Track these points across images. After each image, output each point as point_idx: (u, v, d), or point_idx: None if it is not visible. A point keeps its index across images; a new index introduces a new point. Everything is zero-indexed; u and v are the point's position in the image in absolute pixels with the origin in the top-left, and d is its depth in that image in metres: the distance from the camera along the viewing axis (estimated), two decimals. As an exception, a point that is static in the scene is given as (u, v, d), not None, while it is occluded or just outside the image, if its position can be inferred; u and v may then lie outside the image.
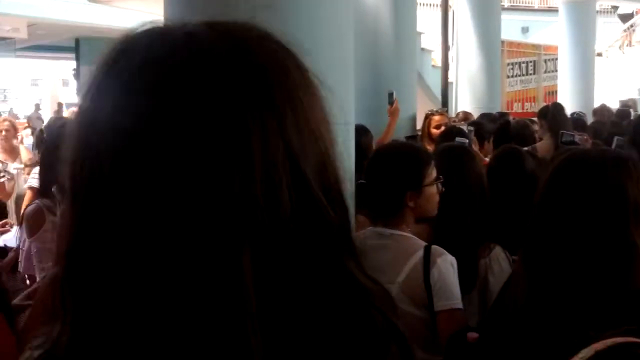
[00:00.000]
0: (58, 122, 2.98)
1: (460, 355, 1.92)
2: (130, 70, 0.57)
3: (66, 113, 12.19)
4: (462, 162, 2.51)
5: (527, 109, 11.86)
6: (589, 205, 1.45)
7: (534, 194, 2.44)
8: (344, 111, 2.18)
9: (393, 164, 2.25)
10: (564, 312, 1.39)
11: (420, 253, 2.12)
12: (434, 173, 2.27)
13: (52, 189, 2.51)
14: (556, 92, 12.50)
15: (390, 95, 5.55)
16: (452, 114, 8.02)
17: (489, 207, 2.44)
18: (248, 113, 0.56)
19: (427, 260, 2.10)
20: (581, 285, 1.40)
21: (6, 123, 5.75)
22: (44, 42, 19.24)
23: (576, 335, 1.20)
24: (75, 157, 0.58)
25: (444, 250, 2.14)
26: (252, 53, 0.59)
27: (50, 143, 3.00)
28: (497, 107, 8.86)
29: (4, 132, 5.58)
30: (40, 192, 2.89)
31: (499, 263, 2.33)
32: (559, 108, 5.67)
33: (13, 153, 5.60)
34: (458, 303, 2.09)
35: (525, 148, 4.31)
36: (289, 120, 0.58)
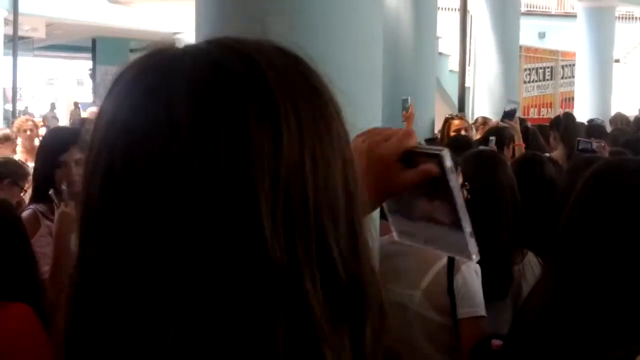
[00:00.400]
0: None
1: (485, 362, 1.91)
2: (154, 80, 0.58)
3: (84, 114, 12.26)
4: (494, 168, 2.47)
5: (543, 115, 11.78)
6: (628, 215, 1.44)
7: (554, 201, 2.45)
8: (370, 121, 2.17)
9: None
10: (586, 324, 1.37)
11: (444, 260, 2.11)
12: (460, 179, 2.26)
13: (49, 193, 2.51)
14: (573, 98, 12.42)
15: (405, 101, 5.54)
16: (469, 119, 7.99)
17: (520, 212, 2.42)
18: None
19: (452, 267, 2.10)
20: (610, 299, 1.38)
21: (29, 123, 5.80)
22: (61, 41, 19.40)
23: (595, 350, 1.19)
24: (91, 157, 0.59)
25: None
26: (266, 79, 0.57)
27: (47, 147, 2.96)
28: (514, 113, 8.82)
29: (28, 132, 5.63)
30: (35, 196, 2.87)
31: (532, 269, 2.31)
32: (570, 118, 5.75)
33: (33, 152, 5.64)
34: (481, 310, 2.08)
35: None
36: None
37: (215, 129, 0.54)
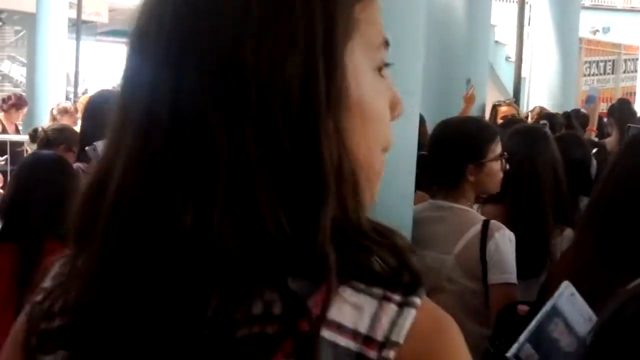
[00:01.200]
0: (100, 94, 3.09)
1: (510, 327, 1.91)
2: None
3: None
4: (537, 142, 2.45)
5: (603, 109, 11.50)
6: None
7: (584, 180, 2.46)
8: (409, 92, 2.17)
9: (456, 135, 2.25)
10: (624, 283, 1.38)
11: (478, 226, 2.12)
12: (498, 149, 2.26)
13: (86, 149, 2.72)
14: (635, 93, 12.09)
15: (468, 81, 5.56)
16: (524, 109, 7.87)
17: (563, 190, 2.40)
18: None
19: (485, 234, 2.10)
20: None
21: None
22: (123, 27, 19.82)
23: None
24: (116, 123, 0.62)
25: (503, 225, 2.13)
26: None
27: (93, 108, 3.14)
28: (572, 105, 8.60)
29: None
30: (79, 156, 3.04)
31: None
32: (625, 104, 5.80)
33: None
34: (512, 278, 2.09)
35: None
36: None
37: None
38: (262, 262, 0.56)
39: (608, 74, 12.13)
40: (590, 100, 6.01)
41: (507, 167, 2.28)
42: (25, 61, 11.37)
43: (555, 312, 1.52)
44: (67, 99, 11.13)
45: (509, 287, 2.08)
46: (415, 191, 2.64)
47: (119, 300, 0.58)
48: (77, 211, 0.64)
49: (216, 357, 0.55)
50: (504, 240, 2.10)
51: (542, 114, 6.09)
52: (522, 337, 1.57)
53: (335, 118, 0.58)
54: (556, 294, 1.49)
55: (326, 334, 0.54)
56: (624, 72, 12.35)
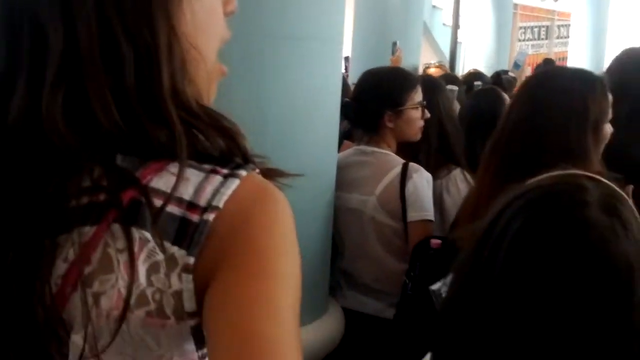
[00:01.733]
0: None
1: (424, 259, 2.04)
2: None
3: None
4: (435, 92, 2.54)
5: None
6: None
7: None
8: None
9: (376, 83, 2.36)
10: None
11: (397, 169, 2.24)
12: (417, 98, 2.35)
13: None
14: (566, 57, 12.46)
15: (394, 44, 5.63)
16: (460, 73, 8.06)
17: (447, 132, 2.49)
18: None
19: (404, 175, 2.22)
20: None
21: None
22: None
23: None
24: None
25: (421, 167, 2.26)
26: None
27: None
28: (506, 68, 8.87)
29: None
30: None
31: (457, 184, 2.40)
32: (549, 63, 6.21)
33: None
34: (429, 215, 2.22)
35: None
36: None
37: None
38: (92, 143, 0.62)
39: (542, 39, 12.45)
40: (516, 65, 6.44)
41: (428, 115, 2.39)
42: None
43: None
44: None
45: (426, 224, 2.21)
46: (343, 141, 2.74)
47: None
48: None
49: (54, 226, 0.61)
50: (422, 180, 2.23)
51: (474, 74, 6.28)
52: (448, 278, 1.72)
53: (167, 9, 0.65)
54: None
55: (148, 200, 0.61)
56: (557, 37, 12.71)
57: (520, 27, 11.72)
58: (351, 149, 2.43)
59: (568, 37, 12.61)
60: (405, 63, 5.65)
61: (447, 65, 7.44)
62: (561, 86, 1.70)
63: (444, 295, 1.81)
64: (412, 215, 2.21)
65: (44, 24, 0.63)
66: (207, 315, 0.60)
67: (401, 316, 2.10)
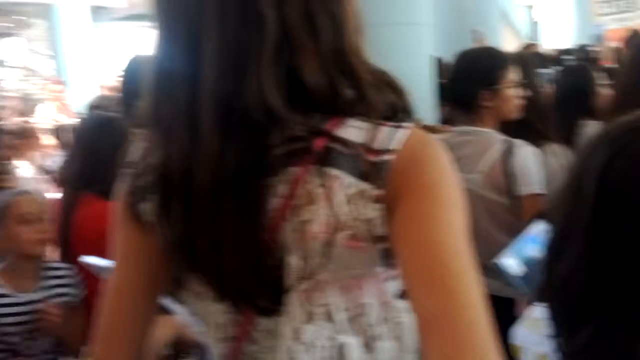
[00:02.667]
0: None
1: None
2: None
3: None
4: (530, 69, 2.57)
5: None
6: None
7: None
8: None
9: (469, 63, 2.37)
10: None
11: (499, 145, 2.24)
12: (511, 76, 2.34)
13: None
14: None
15: (475, 32, 5.60)
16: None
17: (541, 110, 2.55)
18: None
19: (507, 151, 2.22)
20: None
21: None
22: (140, 11, 19.80)
23: None
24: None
25: (524, 142, 2.25)
26: None
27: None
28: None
29: None
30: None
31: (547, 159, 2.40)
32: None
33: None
34: (538, 188, 2.20)
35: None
36: None
37: None
38: (293, 103, 0.77)
39: (623, 12, 11.98)
40: (597, 39, 6.54)
41: (526, 93, 2.38)
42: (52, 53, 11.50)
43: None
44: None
45: (536, 197, 2.19)
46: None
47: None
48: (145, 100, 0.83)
49: (265, 170, 0.76)
50: (527, 154, 2.22)
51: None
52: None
53: None
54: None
55: (337, 146, 0.76)
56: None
57: (599, 1, 11.31)
58: (452, 130, 2.44)
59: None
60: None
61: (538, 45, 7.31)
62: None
63: (512, 270, 1.82)
64: (521, 189, 2.20)
65: (262, 11, 0.76)
66: (396, 235, 0.75)
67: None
